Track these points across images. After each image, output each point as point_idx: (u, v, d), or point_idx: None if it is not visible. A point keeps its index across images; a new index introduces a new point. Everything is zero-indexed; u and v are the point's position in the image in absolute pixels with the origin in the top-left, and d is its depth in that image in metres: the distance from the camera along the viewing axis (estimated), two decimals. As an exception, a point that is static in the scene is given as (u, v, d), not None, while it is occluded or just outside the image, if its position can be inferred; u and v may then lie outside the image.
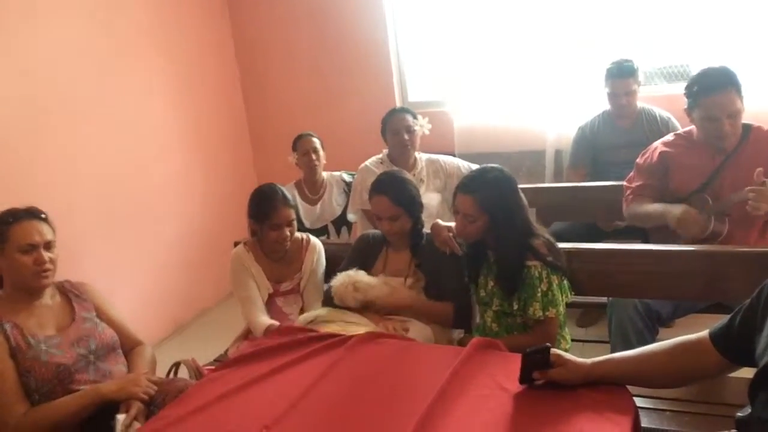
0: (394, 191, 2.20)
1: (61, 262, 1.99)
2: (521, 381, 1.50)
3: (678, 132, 2.57)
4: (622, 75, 3.18)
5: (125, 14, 3.60)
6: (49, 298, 1.99)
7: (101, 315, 2.08)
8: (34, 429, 1.77)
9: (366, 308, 2.19)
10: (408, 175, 2.34)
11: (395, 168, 2.95)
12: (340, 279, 2.21)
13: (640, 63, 3.26)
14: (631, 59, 3.23)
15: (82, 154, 3.31)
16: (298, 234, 2.50)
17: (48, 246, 1.92)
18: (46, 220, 1.96)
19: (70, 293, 2.06)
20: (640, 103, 3.30)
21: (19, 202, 1.97)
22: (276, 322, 2.34)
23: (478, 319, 2.27)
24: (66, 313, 2.01)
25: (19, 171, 2.96)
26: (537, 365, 1.48)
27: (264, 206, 2.37)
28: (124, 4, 3.59)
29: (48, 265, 1.90)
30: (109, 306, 2.15)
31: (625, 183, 2.64)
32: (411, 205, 2.22)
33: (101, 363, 1.98)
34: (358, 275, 2.21)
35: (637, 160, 2.61)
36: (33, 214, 1.93)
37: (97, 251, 3.35)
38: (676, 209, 2.34)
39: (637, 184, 2.56)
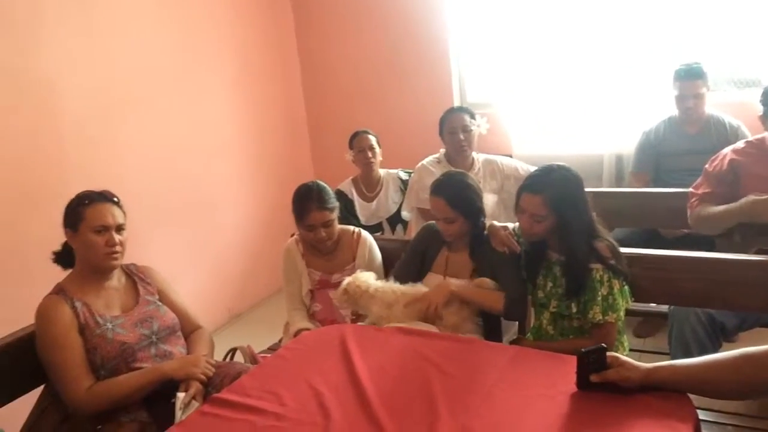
0: (452, 194, 2.15)
1: (128, 246, 2.05)
2: (579, 387, 1.47)
3: (749, 140, 2.47)
4: (690, 76, 3.09)
5: (196, 11, 3.71)
6: (116, 281, 2.06)
7: (163, 298, 2.15)
8: (99, 402, 1.84)
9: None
10: (471, 179, 2.26)
11: (452, 168, 2.94)
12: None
13: (709, 69, 3.15)
14: (699, 62, 3.14)
15: (153, 146, 3.45)
16: (349, 227, 2.52)
17: (119, 229, 1.98)
18: (118, 204, 2.02)
19: (135, 276, 2.13)
20: (709, 110, 3.19)
21: (95, 188, 2.04)
22: (310, 326, 2.36)
23: (533, 321, 2.24)
24: (131, 295, 2.08)
25: (95, 159, 3.10)
26: (593, 366, 1.44)
27: (298, 207, 2.37)
28: (196, 4, 3.71)
29: (118, 247, 1.96)
30: (172, 290, 2.21)
31: (691, 189, 2.56)
32: (468, 209, 2.16)
33: (162, 344, 2.03)
34: (362, 276, 2.20)
35: (706, 166, 2.52)
36: (107, 197, 2.00)
37: (160, 239, 3.46)
38: (747, 197, 2.27)
39: (704, 191, 2.48)
